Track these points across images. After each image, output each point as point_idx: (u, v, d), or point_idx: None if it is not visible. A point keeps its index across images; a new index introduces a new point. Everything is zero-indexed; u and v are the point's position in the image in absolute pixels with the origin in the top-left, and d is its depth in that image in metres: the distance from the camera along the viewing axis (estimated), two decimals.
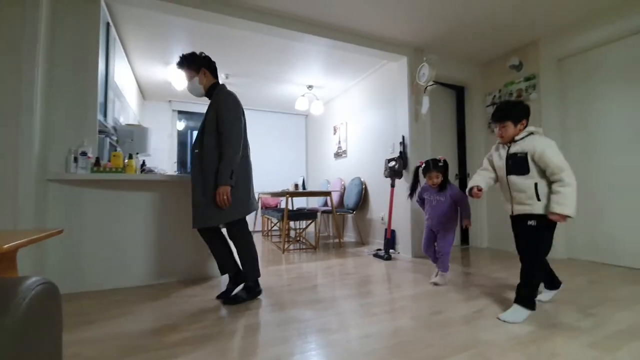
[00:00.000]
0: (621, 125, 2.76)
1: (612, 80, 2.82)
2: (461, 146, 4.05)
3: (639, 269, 2.61)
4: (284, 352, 1.34)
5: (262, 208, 5.22)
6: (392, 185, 3.43)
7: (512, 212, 1.76)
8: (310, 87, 4.76)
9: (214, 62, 2.06)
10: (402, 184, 3.43)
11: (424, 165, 2.39)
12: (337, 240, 4.44)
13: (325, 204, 4.87)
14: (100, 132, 2.55)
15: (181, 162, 5.48)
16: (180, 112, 5.48)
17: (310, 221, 4.03)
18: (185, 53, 2.01)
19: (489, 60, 3.78)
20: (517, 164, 1.69)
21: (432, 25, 3.02)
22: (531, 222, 1.67)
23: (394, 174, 3.41)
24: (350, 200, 4.38)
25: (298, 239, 4.33)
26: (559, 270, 2.00)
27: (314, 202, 5.77)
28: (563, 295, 1.95)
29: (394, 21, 2.94)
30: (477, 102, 3.88)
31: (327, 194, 4.10)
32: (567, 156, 1.71)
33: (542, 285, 1.87)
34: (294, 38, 3.07)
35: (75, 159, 2.16)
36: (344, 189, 4.70)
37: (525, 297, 1.66)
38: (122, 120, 3.38)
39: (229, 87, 2.08)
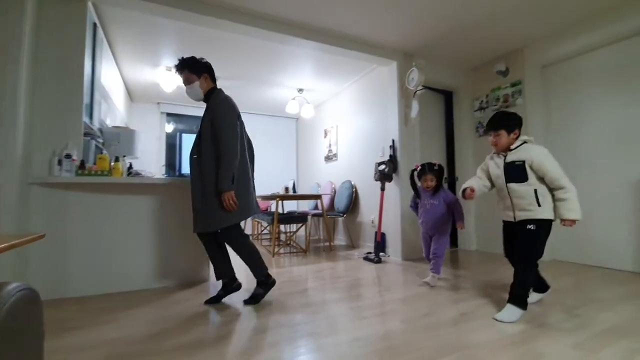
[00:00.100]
0: (602, 130, 2.85)
1: (593, 87, 2.92)
2: (450, 150, 4.10)
3: (621, 270, 2.68)
4: (273, 357, 1.32)
5: None
6: (382, 189, 3.45)
7: (515, 219, 1.79)
8: (300, 90, 4.76)
9: (212, 68, 2.06)
10: (392, 187, 3.45)
11: (419, 168, 2.45)
12: (327, 244, 4.43)
13: (316, 207, 4.87)
14: (86, 134, 2.49)
15: (170, 165, 5.40)
16: (169, 114, 5.40)
17: (300, 224, 4.02)
18: (185, 57, 1.99)
19: (476, 66, 3.86)
20: (516, 172, 1.76)
21: (421, 31, 3.07)
22: (530, 226, 1.72)
23: (384, 177, 3.43)
24: (340, 203, 4.39)
25: (288, 242, 4.31)
26: (545, 272, 2.05)
27: (305, 206, 5.76)
28: (549, 296, 1.99)
29: (384, 26, 2.98)
30: (465, 106, 3.95)
31: (318, 197, 4.10)
32: None
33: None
34: (284, 41, 3.07)
35: (60, 162, 2.10)
36: (335, 192, 4.71)
37: (519, 297, 1.71)
38: (109, 123, 3.32)
39: None
